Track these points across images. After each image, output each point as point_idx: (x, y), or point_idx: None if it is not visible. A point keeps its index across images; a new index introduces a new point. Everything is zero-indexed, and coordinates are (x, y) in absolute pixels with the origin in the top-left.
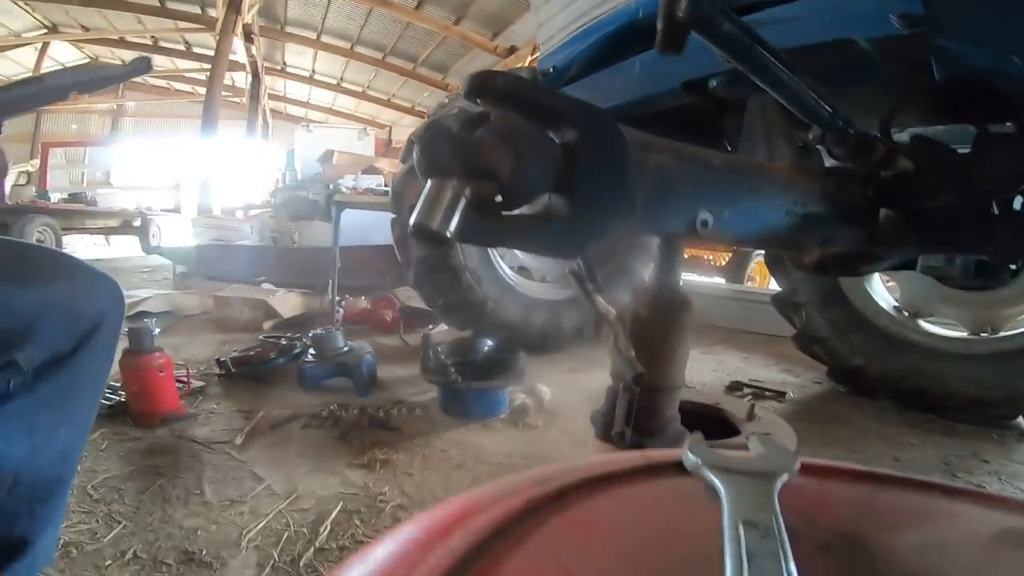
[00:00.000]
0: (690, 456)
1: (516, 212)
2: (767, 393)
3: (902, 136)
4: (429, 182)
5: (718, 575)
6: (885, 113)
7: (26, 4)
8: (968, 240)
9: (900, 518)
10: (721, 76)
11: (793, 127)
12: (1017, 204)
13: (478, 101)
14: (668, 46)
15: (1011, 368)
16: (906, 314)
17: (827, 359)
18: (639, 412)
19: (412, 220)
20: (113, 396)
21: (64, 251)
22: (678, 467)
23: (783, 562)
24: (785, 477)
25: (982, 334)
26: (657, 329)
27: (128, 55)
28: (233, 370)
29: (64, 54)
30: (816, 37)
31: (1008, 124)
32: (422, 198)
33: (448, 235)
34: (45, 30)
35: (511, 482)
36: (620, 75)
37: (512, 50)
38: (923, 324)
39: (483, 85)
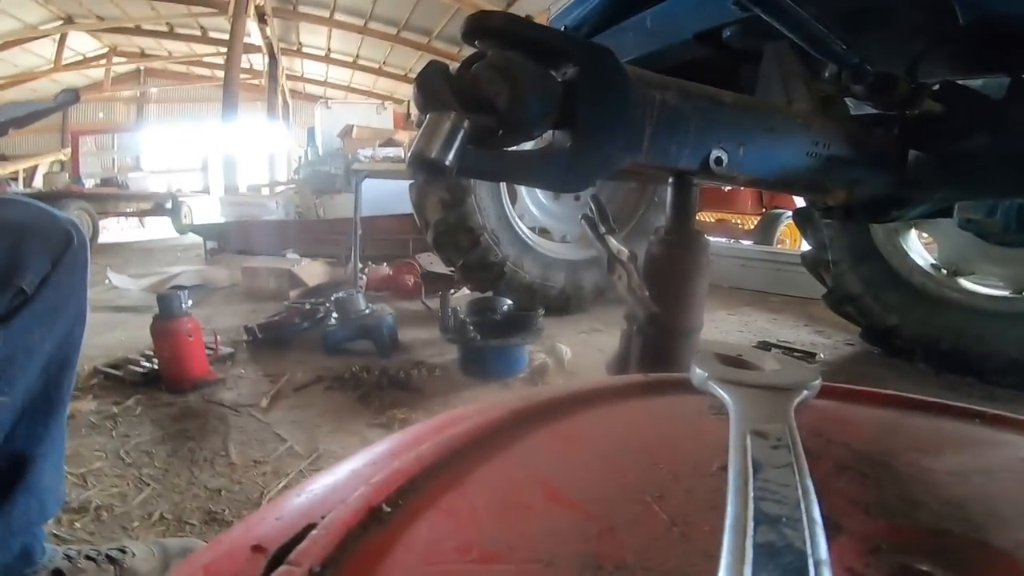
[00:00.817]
0: (697, 370)
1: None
2: (796, 354)
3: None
4: (428, 115)
5: (715, 488)
6: (911, 59)
7: None
8: (1005, 184)
9: (931, 441)
10: (734, 25)
11: (812, 76)
12: None
13: (476, 42)
14: None
15: None
16: (944, 272)
17: (860, 319)
18: (654, 354)
19: (410, 152)
20: (147, 364)
21: (22, 197)
22: (682, 386)
23: (796, 475)
24: (804, 394)
25: None
26: (671, 269)
27: (145, 42)
28: (259, 336)
29: (82, 44)
30: None
31: None
32: (420, 130)
33: (446, 165)
34: (61, 21)
35: (501, 398)
36: (631, 31)
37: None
38: (962, 282)
39: (479, 25)
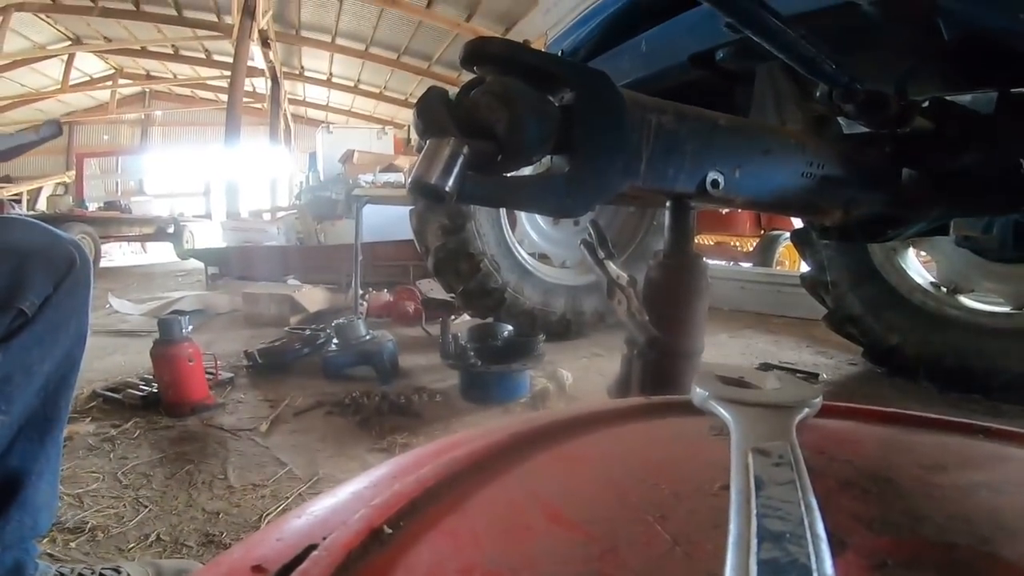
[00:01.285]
0: (698, 390)
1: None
2: (798, 374)
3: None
4: (428, 141)
5: (718, 507)
6: (900, 76)
7: (48, 17)
8: (998, 200)
9: (935, 457)
10: (727, 47)
11: (804, 96)
12: None
13: (475, 68)
14: None
15: None
16: (944, 290)
17: (861, 339)
18: (656, 378)
19: (410, 178)
20: (147, 388)
21: (27, 218)
22: (682, 408)
23: (800, 492)
24: (805, 411)
25: None
26: (671, 293)
27: (151, 64)
28: (260, 361)
29: (89, 65)
30: (818, 3)
31: None
32: (420, 155)
33: (446, 191)
34: (69, 42)
35: (502, 422)
36: (627, 54)
37: (524, 44)
38: (963, 300)
39: (478, 51)
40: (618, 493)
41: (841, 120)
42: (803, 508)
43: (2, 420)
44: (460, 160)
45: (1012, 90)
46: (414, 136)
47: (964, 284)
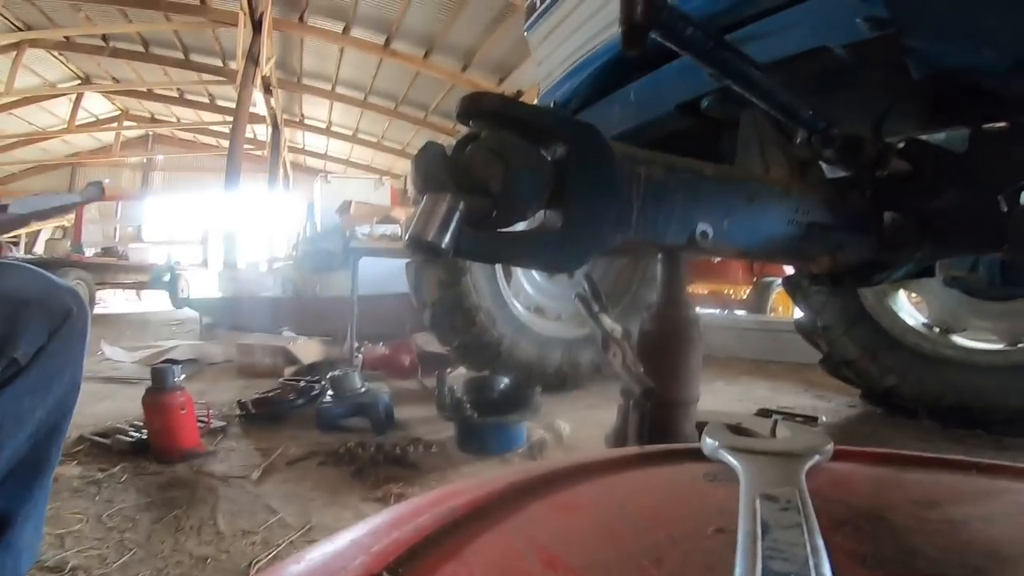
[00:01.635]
0: (708, 440)
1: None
2: (797, 419)
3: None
4: (425, 197)
5: (712, 550)
6: (875, 117)
7: (61, 54)
8: (981, 240)
9: (929, 493)
10: (712, 95)
11: (787, 141)
12: None
13: (470, 122)
14: (629, 46)
15: None
16: (937, 330)
17: (858, 381)
18: (653, 427)
19: (408, 234)
20: (135, 434)
21: (28, 265)
22: (679, 456)
23: (806, 534)
24: (815, 458)
25: (1019, 344)
26: (664, 343)
27: (155, 107)
28: (253, 411)
29: (97, 106)
30: (794, 48)
31: (1002, 124)
32: (417, 212)
33: (443, 247)
34: (79, 81)
35: (500, 471)
36: (617, 104)
37: (519, 94)
38: (956, 339)
39: (473, 106)
40: (614, 539)
41: (824, 165)
42: (809, 550)
43: None
44: (456, 216)
45: (983, 126)
46: (411, 187)
47: (956, 324)
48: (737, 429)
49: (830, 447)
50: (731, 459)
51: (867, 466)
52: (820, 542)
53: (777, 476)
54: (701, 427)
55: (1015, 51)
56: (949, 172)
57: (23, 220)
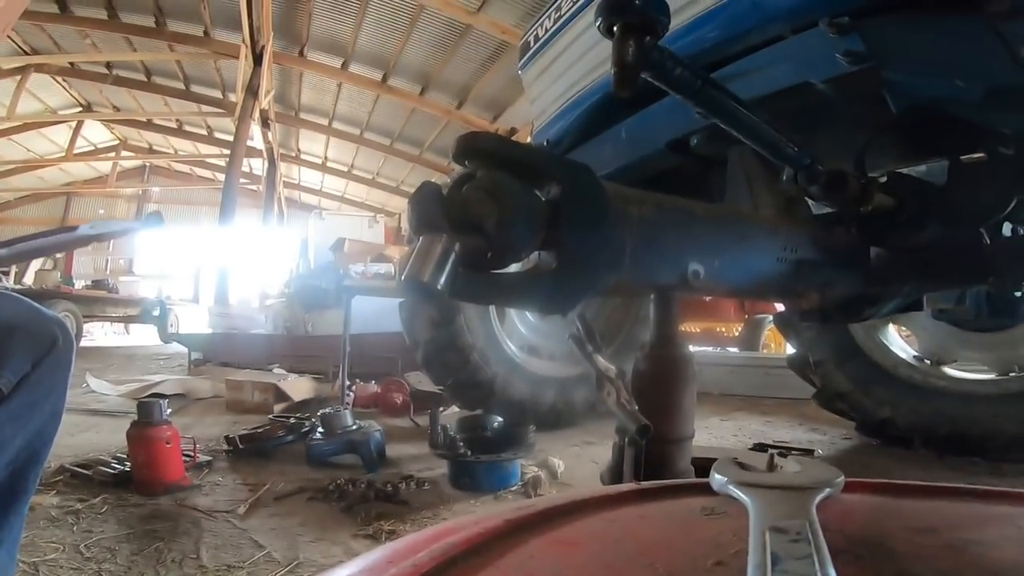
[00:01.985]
0: (717, 476)
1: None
2: (793, 452)
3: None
4: (420, 237)
5: None
6: (857, 151)
7: (64, 80)
8: (966, 272)
9: (929, 521)
10: (700, 133)
11: (774, 178)
12: (1007, 230)
13: (465, 162)
14: (621, 87)
15: None
16: (928, 362)
17: (853, 414)
18: (648, 465)
19: (403, 274)
20: (118, 466)
21: (14, 294)
22: (675, 491)
23: (817, 566)
24: (826, 491)
25: (1011, 373)
26: (659, 381)
27: (154, 138)
28: (241, 446)
29: (96, 135)
30: (777, 84)
31: (979, 154)
32: (413, 252)
33: (438, 289)
34: (80, 108)
35: (495, 509)
36: (609, 142)
37: (512, 132)
38: (947, 370)
39: (469, 145)
40: (612, 573)
41: (810, 202)
42: None
43: None
44: (452, 258)
45: (961, 157)
46: (404, 225)
47: (946, 355)
48: (751, 468)
49: (841, 480)
50: (741, 494)
51: (875, 496)
52: (832, 572)
53: (788, 511)
54: (697, 463)
55: (986, 80)
56: (931, 205)
57: (89, 239)
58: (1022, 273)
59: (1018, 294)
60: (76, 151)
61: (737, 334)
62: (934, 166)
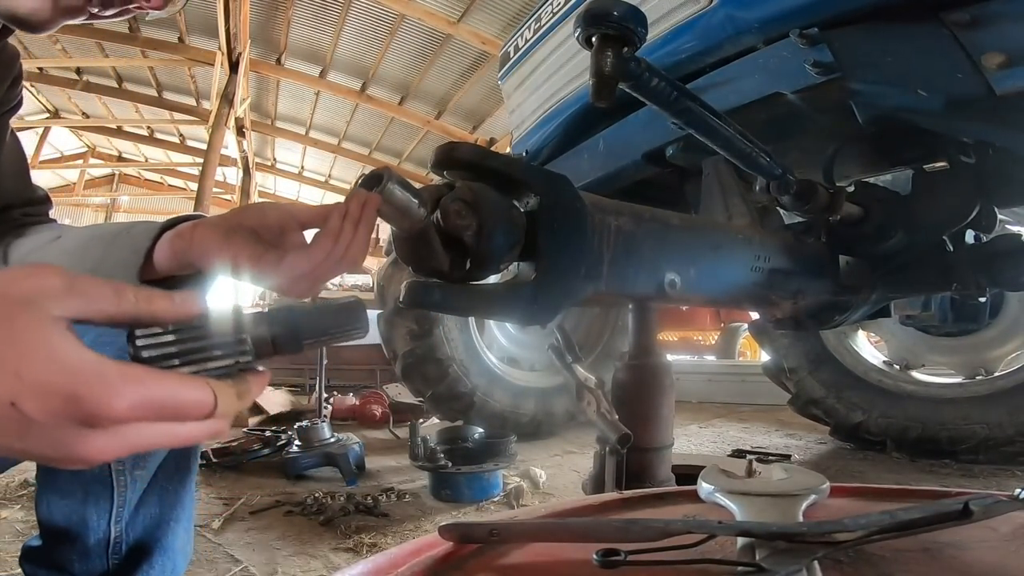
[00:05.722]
0: (704, 484)
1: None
2: (771, 457)
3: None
4: None
5: None
6: (825, 161)
7: (33, 85)
8: (930, 279)
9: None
10: (676, 143)
11: (748, 188)
12: (969, 238)
13: (444, 173)
14: (599, 98)
15: (1016, 404)
16: (897, 367)
17: (826, 419)
18: (630, 473)
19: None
20: None
21: None
22: (656, 500)
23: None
24: (812, 498)
25: (977, 377)
26: (638, 391)
27: (124, 145)
28: (215, 460)
29: (63, 142)
30: (749, 96)
31: (941, 164)
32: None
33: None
34: (47, 114)
35: (479, 519)
36: (587, 153)
37: (492, 142)
38: (916, 375)
39: (448, 156)
40: None
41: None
42: None
43: (141, 475)
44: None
45: (924, 167)
46: (382, 236)
47: (914, 360)
48: (737, 476)
49: (826, 486)
50: (729, 502)
51: (857, 500)
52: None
53: (776, 517)
54: (679, 472)
55: (947, 90)
56: (897, 214)
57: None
58: (984, 279)
59: (982, 299)
60: (42, 159)
61: (714, 342)
62: (899, 175)
